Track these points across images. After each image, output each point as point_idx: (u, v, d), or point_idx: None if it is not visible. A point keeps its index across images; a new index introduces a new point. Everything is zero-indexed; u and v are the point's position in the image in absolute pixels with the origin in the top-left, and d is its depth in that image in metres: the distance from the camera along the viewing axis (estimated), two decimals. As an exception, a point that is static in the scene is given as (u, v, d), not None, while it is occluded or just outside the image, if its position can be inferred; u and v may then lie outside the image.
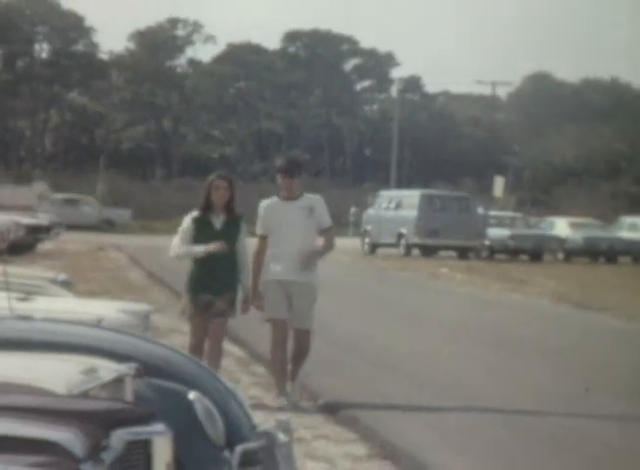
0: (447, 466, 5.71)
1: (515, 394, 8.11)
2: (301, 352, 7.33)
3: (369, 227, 31.48)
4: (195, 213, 7.19)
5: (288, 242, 7.27)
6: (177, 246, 7.17)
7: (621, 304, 16.09)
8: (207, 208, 7.09)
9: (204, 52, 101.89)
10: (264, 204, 7.45)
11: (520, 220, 34.85)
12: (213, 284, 7.03)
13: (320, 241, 7.47)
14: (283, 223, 7.29)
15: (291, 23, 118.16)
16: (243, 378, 8.18)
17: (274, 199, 7.46)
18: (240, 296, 7.17)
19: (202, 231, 7.07)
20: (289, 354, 7.32)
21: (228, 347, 9.91)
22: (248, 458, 3.51)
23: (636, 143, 68.67)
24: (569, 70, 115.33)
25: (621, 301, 16.60)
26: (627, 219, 36.40)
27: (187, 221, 7.18)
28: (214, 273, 7.03)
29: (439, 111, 74.15)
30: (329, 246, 7.48)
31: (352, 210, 41.60)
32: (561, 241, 33.17)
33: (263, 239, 7.37)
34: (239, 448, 3.48)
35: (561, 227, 34.26)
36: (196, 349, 6.88)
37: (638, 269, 28.42)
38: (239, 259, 7.12)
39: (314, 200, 7.46)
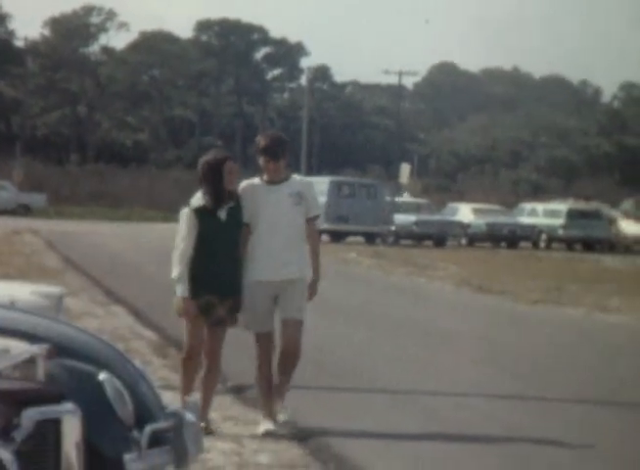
0: (348, 445, 5.91)
1: (408, 375, 8.34)
2: (289, 353, 6.09)
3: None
4: (196, 204, 6.01)
5: (272, 235, 6.08)
6: (180, 259, 5.96)
7: (520, 287, 16.62)
8: (218, 196, 5.95)
9: (117, 39, 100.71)
10: (244, 186, 6.16)
11: (425, 206, 35.44)
12: (216, 283, 5.98)
13: (309, 241, 6.27)
14: (266, 212, 6.09)
15: (202, 12, 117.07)
16: (154, 360, 8.26)
17: (255, 181, 6.19)
18: None
19: (206, 224, 5.97)
20: (275, 362, 6.19)
21: (141, 331, 9.97)
22: (156, 438, 3.59)
23: (537, 132, 70.38)
24: (473, 61, 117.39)
25: (520, 285, 17.14)
26: (528, 205, 37.30)
27: (188, 216, 6.00)
28: (217, 270, 5.97)
29: (348, 100, 74.67)
30: (317, 240, 6.38)
31: None
32: (464, 226, 33.84)
33: (246, 227, 6.11)
34: (148, 428, 3.56)
35: (464, 213, 34.94)
36: (194, 349, 6.02)
37: (537, 254, 29.23)
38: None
39: (303, 183, 6.28)
